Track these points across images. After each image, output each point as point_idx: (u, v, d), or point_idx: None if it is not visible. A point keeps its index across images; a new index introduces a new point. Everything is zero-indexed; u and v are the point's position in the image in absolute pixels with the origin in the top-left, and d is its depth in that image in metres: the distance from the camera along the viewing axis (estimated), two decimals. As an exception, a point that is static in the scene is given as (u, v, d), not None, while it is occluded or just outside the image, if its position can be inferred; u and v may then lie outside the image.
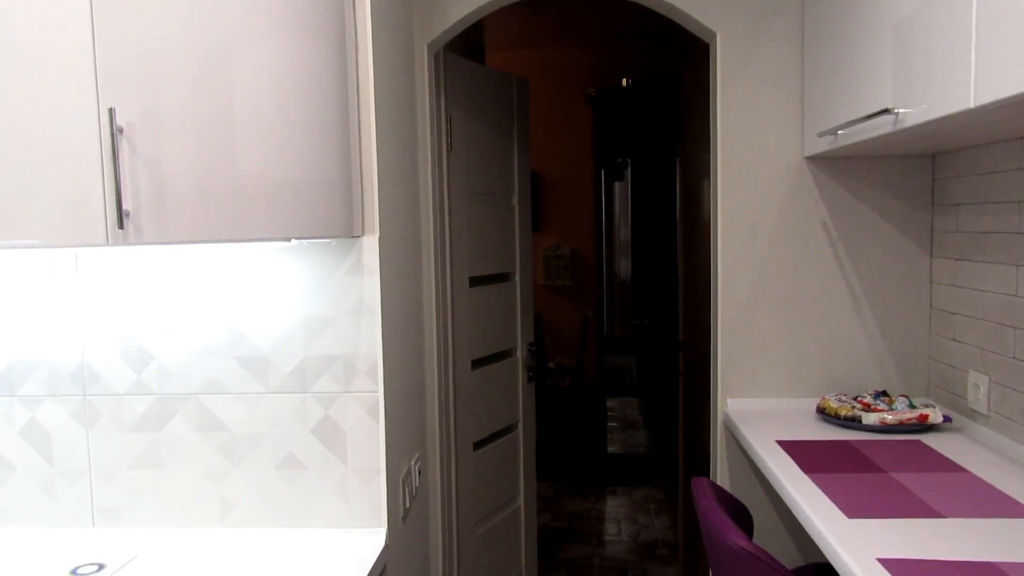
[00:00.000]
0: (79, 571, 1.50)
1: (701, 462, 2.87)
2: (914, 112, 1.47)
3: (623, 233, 5.40)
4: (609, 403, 5.78)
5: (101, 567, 1.52)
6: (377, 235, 1.62)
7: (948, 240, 2.07)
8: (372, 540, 1.62)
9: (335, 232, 1.51)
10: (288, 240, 1.52)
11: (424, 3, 2.17)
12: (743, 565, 1.50)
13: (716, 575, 1.68)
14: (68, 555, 1.58)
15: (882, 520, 1.40)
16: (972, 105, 1.27)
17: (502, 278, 3.04)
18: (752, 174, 2.17)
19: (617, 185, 5.30)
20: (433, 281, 2.19)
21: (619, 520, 4.25)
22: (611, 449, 5.30)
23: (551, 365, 5.01)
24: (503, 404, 3.04)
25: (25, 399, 1.68)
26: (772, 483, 1.69)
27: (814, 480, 1.61)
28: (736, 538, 1.51)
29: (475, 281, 2.82)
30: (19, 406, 1.68)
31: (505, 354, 3.07)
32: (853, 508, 1.45)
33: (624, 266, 5.41)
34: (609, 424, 5.77)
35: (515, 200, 3.11)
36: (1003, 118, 1.40)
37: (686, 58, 3.06)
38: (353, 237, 1.61)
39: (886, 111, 1.54)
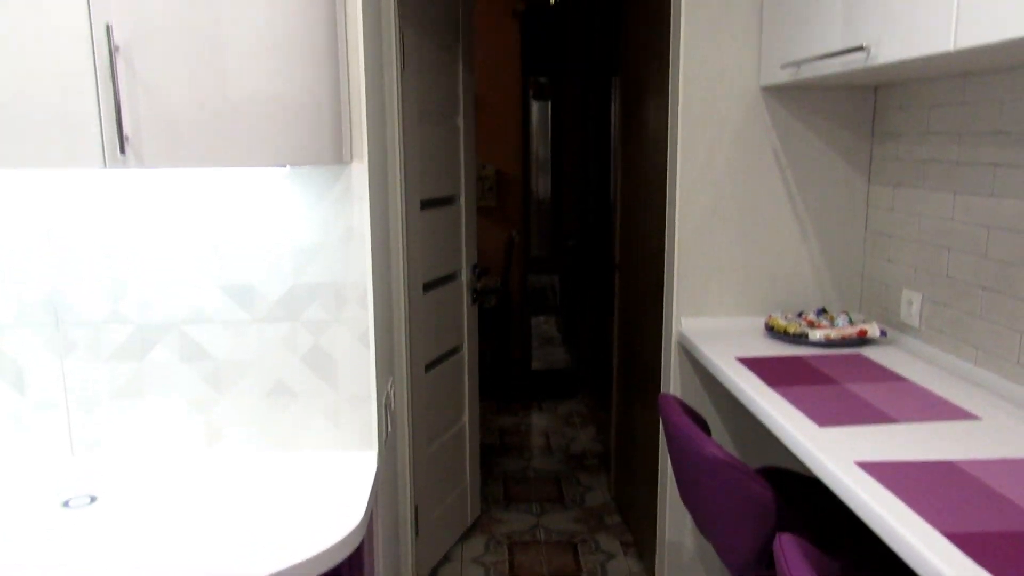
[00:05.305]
0: (71, 503, 1.47)
1: (638, 378, 3.02)
2: (888, 51, 1.55)
3: (545, 154, 5.42)
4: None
5: (94, 499, 1.49)
6: (366, 161, 1.60)
7: (887, 168, 2.22)
8: (365, 463, 1.66)
9: (327, 158, 1.48)
10: (284, 166, 1.48)
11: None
12: (720, 474, 1.63)
13: (686, 484, 1.81)
14: (54, 487, 1.54)
15: (848, 427, 1.55)
16: (952, 48, 1.36)
17: (448, 201, 3.04)
18: (711, 102, 2.23)
19: (542, 104, 5.29)
20: (399, 206, 2.18)
21: (547, 434, 4.43)
22: (534, 366, 5.46)
23: (478, 286, 5.07)
24: (450, 326, 3.08)
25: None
26: (740, 398, 1.82)
27: (779, 393, 1.75)
28: (714, 449, 1.63)
29: (425, 204, 2.80)
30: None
31: (451, 277, 3.10)
32: (821, 417, 1.60)
33: (545, 187, 5.46)
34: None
35: (460, 121, 3.08)
36: (977, 60, 1.49)
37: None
38: (342, 163, 1.58)
39: (860, 48, 1.62)
